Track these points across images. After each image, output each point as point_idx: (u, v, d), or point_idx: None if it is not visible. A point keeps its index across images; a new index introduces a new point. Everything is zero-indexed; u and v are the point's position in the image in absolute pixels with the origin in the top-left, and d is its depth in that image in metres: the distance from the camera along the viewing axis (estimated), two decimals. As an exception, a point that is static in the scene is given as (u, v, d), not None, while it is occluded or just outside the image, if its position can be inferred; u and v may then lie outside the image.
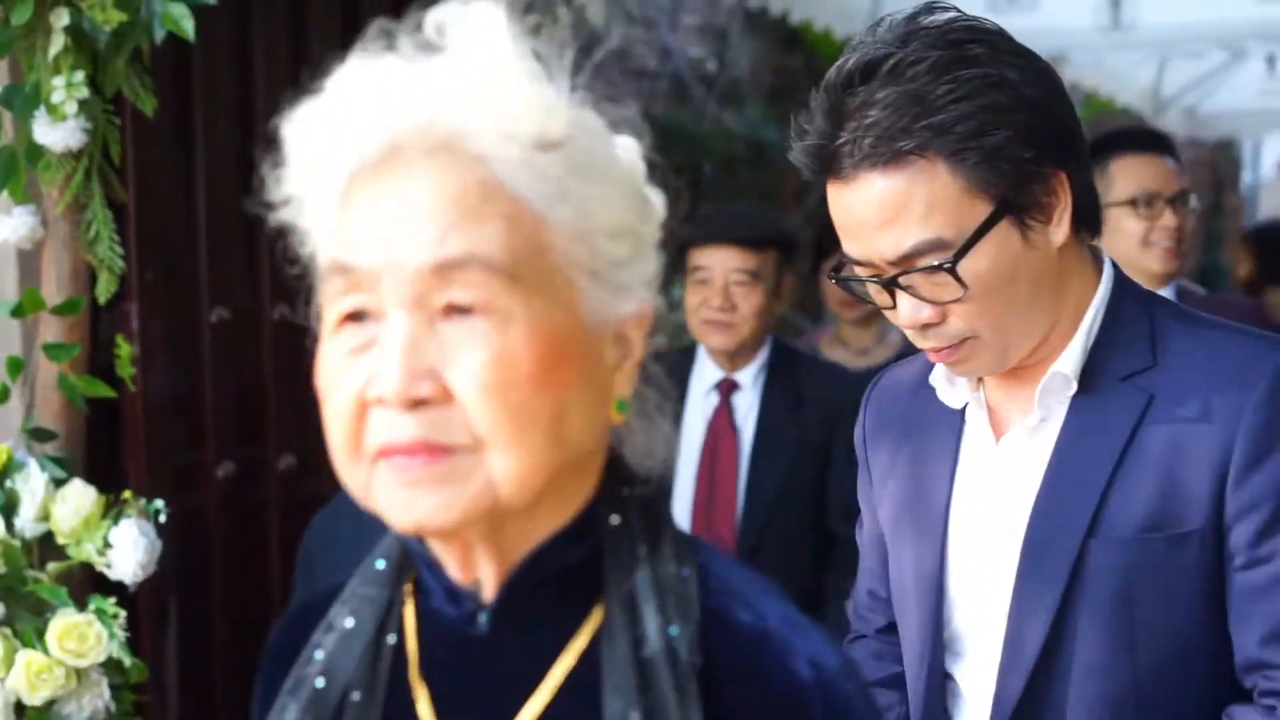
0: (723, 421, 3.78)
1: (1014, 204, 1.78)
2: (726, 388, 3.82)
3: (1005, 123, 1.75)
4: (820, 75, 7.29)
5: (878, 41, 1.81)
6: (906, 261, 1.79)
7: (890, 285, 1.82)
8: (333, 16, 3.81)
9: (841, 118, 1.80)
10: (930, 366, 2.00)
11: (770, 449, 3.74)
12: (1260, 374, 1.78)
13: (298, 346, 3.59)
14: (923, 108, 1.74)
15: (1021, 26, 8.18)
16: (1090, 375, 1.86)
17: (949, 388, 1.97)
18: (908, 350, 5.03)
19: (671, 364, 3.93)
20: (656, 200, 1.28)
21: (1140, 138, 3.85)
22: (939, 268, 1.77)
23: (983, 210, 1.77)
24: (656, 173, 1.29)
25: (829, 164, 1.81)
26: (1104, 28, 7.68)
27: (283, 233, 1.25)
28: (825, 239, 4.88)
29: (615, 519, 1.24)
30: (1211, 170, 11.82)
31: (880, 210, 1.78)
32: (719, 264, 3.76)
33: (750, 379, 3.81)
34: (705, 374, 3.84)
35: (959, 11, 1.83)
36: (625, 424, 1.26)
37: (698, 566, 1.24)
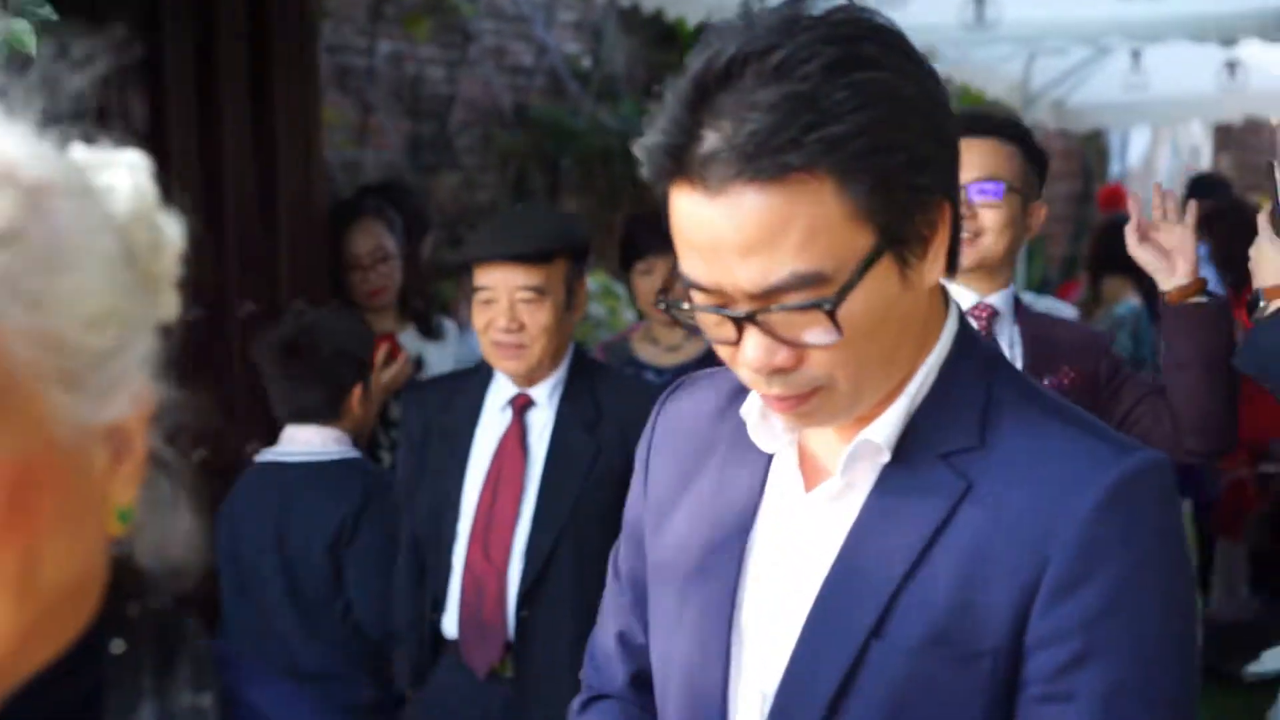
0: (511, 442, 3.56)
1: (897, 236, 1.48)
2: (520, 404, 3.59)
3: (902, 141, 1.45)
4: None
5: (756, 30, 1.44)
6: (771, 296, 1.45)
7: (744, 321, 1.48)
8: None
9: (711, 116, 1.43)
10: (743, 386, 1.65)
11: (561, 470, 3.53)
12: (1091, 486, 1.50)
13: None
14: (816, 115, 1.41)
15: (894, 22, 8.31)
16: (908, 443, 1.58)
17: (763, 427, 1.64)
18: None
19: (465, 380, 3.60)
20: (170, 238, 1.05)
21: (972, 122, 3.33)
22: (816, 306, 1.45)
23: (865, 241, 1.45)
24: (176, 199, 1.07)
25: (688, 168, 1.44)
26: (969, 24, 7.81)
27: None
28: (636, 236, 4.79)
29: (118, 645, 1.04)
30: (1081, 160, 12.07)
31: (751, 232, 1.43)
32: (502, 282, 3.47)
33: (546, 395, 3.58)
34: (500, 389, 3.61)
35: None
36: (135, 525, 1.04)
37: (221, 691, 1.05)
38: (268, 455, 3.76)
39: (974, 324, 1.95)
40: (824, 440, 1.64)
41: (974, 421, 1.58)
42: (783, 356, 1.49)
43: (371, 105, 7.56)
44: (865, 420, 1.58)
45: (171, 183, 3.51)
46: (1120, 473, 1.51)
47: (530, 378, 3.56)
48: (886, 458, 1.58)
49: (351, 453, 3.79)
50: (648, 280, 4.70)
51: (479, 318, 3.49)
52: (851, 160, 1.42)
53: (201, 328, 3.88)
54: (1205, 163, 12.20)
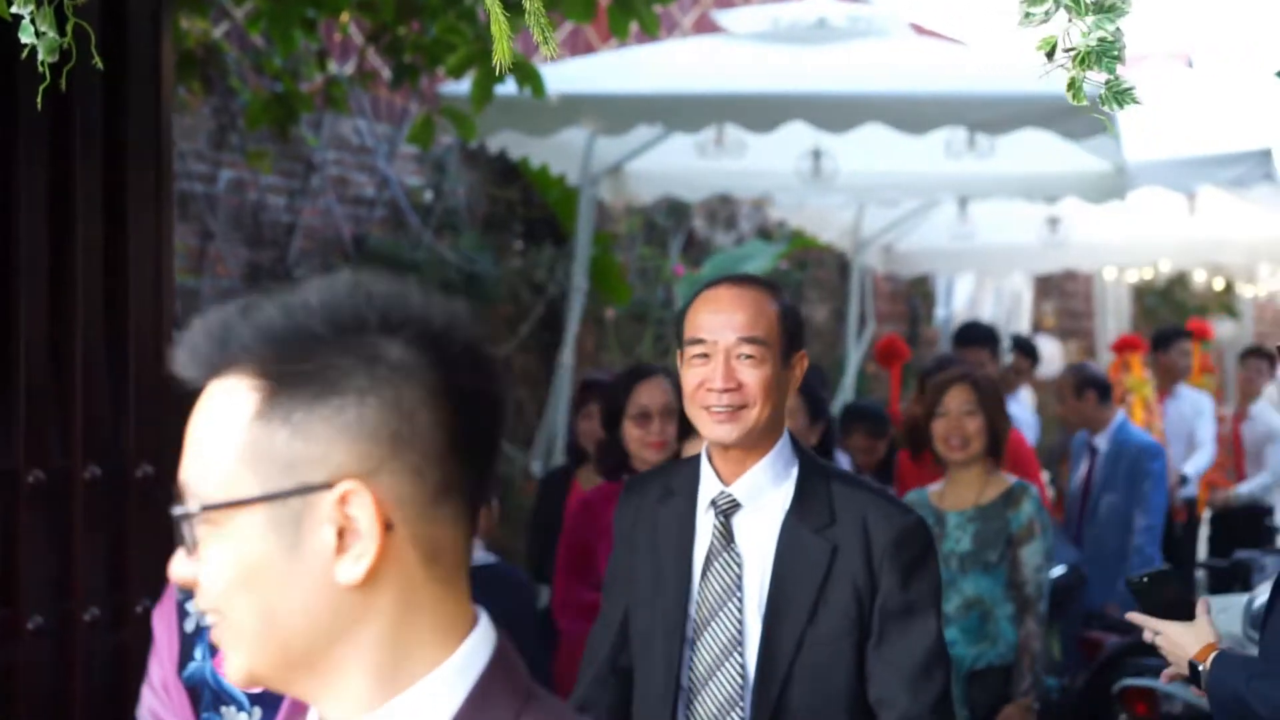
0: None
1: None
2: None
3: None
4: (537, 206, 7.50)
5: None
6: None
7: None
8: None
9: None
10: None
11: None
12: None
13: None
14: None
15: (730, 170, 8.50)
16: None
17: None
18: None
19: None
20: None
21: None
22: None
23: None
24: None
25: None
26: (805, 174, 8.03)
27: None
28: None
29: None
30: (908, 304, 12.38)
31: None
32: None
33: None
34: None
35: None
36: None
37: None
38: None
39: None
40: None
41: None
42: None
43: (212, 232, 7.52)
44: None
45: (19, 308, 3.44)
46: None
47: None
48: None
49: (491, 558, 4.15)
50: None
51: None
52: None
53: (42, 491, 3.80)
54: (1026, 310, 12.60)
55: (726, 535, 2.90)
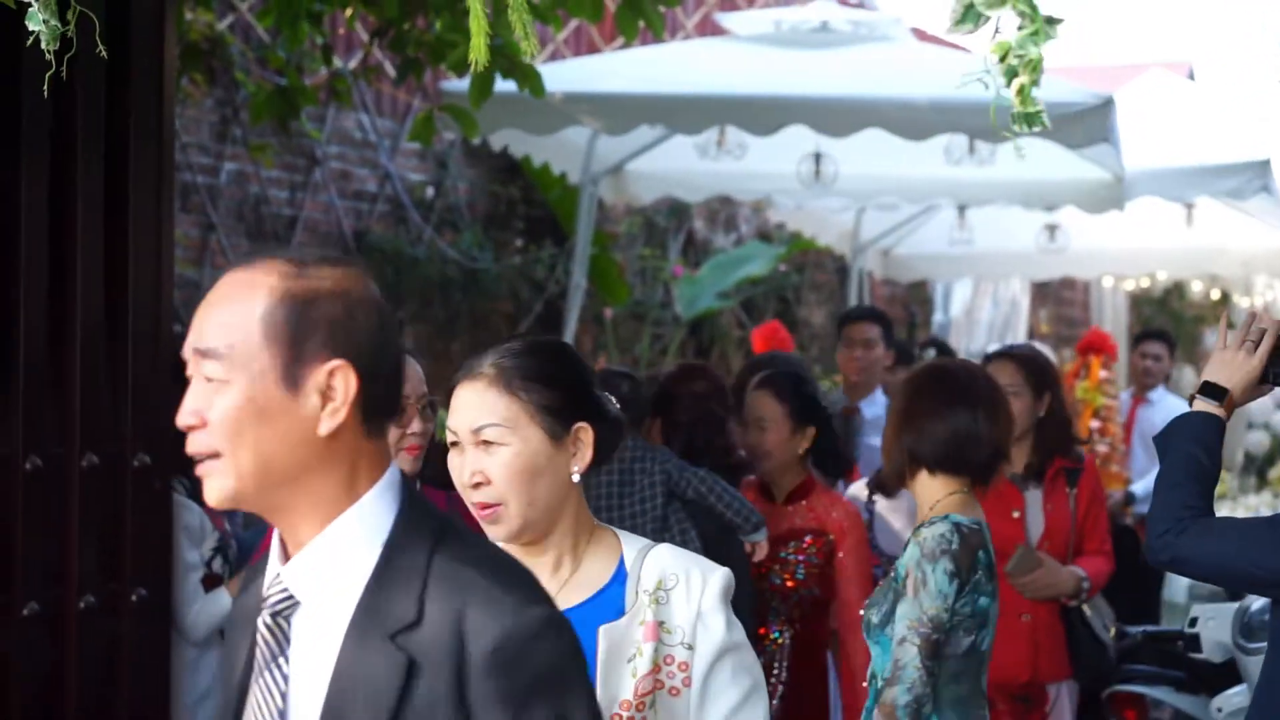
0: None
1: None
2: None
3: None
4: (538, 205, 7.48)
5: None
6: None
7: None
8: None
9: None
10: None
11: None
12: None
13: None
14: None
15: (731, 172, 8.52)
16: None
17: None
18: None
19: None
20: None
21: None
22: None
23: None
24: None
25: None
26: (806, 177, 8.06)
27: None
28: None
29: None
30: (905, 309, 12.40)
31: None
32: None
33: None
34: None
35: None
36: None
37: None
38: None
39: None
40: None
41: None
42: None
43: (213, 224, 7.54)
44: None
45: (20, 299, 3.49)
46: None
47: None
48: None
49: None
50: None
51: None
52: None
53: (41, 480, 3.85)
54: (1023, 316, 12.62)
55: (278, 643, 1.90)
